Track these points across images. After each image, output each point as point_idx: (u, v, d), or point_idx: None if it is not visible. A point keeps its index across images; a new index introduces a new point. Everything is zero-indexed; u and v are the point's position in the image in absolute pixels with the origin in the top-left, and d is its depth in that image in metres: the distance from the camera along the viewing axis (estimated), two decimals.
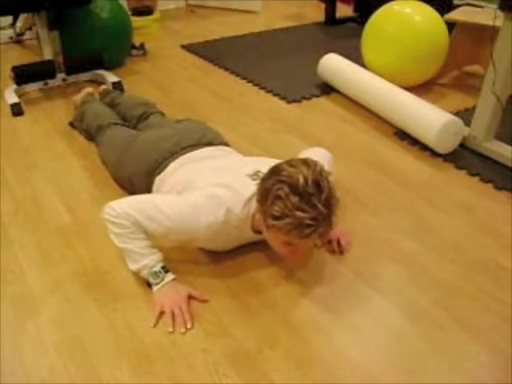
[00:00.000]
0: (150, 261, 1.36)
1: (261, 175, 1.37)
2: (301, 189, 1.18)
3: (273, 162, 1.49)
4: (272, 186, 1.22)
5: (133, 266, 1.38)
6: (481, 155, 2.09)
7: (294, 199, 1.18)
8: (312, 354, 1.23)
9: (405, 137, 2.23)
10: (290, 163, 1.25)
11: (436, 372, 1.18)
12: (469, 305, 1.36)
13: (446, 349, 1.23)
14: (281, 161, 1.51)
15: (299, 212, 1.18)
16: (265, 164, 1.45)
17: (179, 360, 1.20)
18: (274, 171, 1.25)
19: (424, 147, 2.14)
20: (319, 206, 1.19)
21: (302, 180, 1.18)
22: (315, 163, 1.25)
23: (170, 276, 1.38)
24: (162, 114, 2.13)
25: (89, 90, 2.39)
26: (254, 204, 1.35)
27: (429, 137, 2.06)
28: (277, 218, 1.21)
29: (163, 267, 1.38)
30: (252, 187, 1.37)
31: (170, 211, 1.34)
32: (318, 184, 1.20)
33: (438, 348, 1.24)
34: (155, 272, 1.36)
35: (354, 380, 1.16)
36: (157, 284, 1.36)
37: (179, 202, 1.37)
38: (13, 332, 1.29)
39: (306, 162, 1.24)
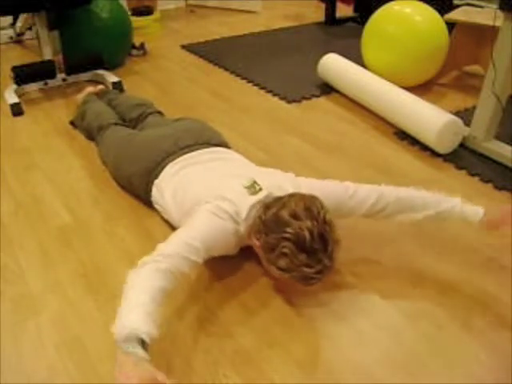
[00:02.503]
0: (140, 324, 1.01)
1: (257, 187, 1.37)
2: (308, 246, 1.18)
3: (267, 173, 1.51)
4: (277, 242, 1.21)
5: (117, 323, 1.02)
6: (481, 155, 2.08)
7: (302, 257, 1.19)
8: (312, 353, 1.22)
9: (405, 137, 2.24)
10: (293, 214, 1.21)
11: (436, 372, 1.18)
12: (469, 305, 1.36)
13: (445, 349, 1.23)
14: (273, 171, 1.52)
15: (306, 268, 1.20)
16: (260, 174, 1.46)
17: (179, 360, 1.20)
18: (278, 223, 1.22)
19: (424, 147, 2.14)
20: (325, 260, 1.20)
21: (308, 237, 1.18)
22: (318, 210, 1.23)
23: (141, 351, 0.99)
24: (160, 113, 2.13)
25: (90, 89, 2.39)
26: (249, 221, 1.33)
27: (429, 137, 2.06)
28: (282, 270, 1.23)
29: (144, 342, 1.01)
30: (248, 202, 1.33)
31: (201, 234, 1.26)
32: (323, 237, 1.20)
33: (437, 348, 1.24)
34: (134, 341, 0.99)
35: (354, 380, 1.16)
36: (121, 352, 0.99)
37: (201, 224, 1.29)
38: (13, 332, 1.29)
39: (309, 209, 1.22)
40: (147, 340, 1.01)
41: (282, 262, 1.21)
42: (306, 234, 1.18)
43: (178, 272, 1.18)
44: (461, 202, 1.45)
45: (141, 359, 0.97)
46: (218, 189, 1.39)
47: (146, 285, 1.11)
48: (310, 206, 1.23)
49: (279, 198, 1.30)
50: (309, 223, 1.19)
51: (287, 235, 1.19)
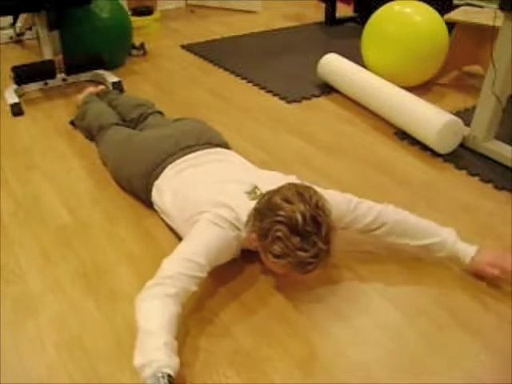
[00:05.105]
0: (164, 358, 1.05)
1: (258, 192, 1.37)
2: (300, 229, 1.18)
3: (268, 177, 1.49)
4: (270, 225, 1.21)
5: (138, 360, 1.06)
6: (481, 155, 2.09)
7: (295, 240, 1.18)
8: (312, 353, 1.23)
9: (405, 137, 2.24)
10: (285, 198, 1.21)
11: (436, 372, 1.18)
12: (469, 305, 1.36)
13: (446, 349, 1.23)
14: (274, 175, 1.51)
15: (300, 252, 1.19)
16: (261, 178, 1.45)
17: (179, 360, 1.20)
18: (271, 207, 1.22)
19: (424, 147, 2.14)
20: (319, 243, 1.19)
21: (300, 219, 1.17)
22: (310, 195, 1.23)
23: None
24: (161, 113, 2.13)
25: (91, 89, 2.39)
26: (249, 227, 1.33)
27: (429, 137, 2.06)
28: (277, 257, 1.22)
29: (170, 376, 1.03)
30: (249, 207, 1.33)
31: (204, 249, 1.26)
32: (316, 220, 1.19)
33: (437, 348, 1.24)
34: (161, 377, 1.01)
35: (354, 380, 1.16)
36: None
37: (203, 238, 1.30)
38: (13, 332, 1.29)
39: (301, 194, 1.22)
40: (172, 374, 1.04)
41: (277, 247, 1.21)
42: (298, 216, 1.17)
43: (185, 292, 1.20)
44: (455, 237, 1.43)
45: None
46: (218, 194, 1.38)
47: (159, 314, 1.13)
48: (302, 191, 1.23)
49: (273, 189, 1.29)
50: (301, 206, 1.19)
51: (280, 218, 1.19)
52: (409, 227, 1.44)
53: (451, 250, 1.42)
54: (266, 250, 1.26)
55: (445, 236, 1.42)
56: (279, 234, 1.19)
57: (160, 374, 1.01)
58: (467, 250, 1.41)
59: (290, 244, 1.18)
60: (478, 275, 1.43)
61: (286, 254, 1.20)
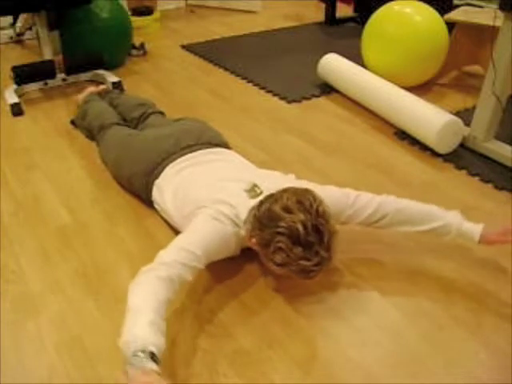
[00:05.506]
0: (150, 336, 1.01)
1: (258, 191, 1.37)
2: (302, 239, 1.18)
3: (267, 176, 1.50)
4: (272, 237, 1.21)
5: (123, 337, 1.02)
6: (481, 155, 2.09)
7: (297, 250, 1.18)
8: (312, 353, 1.22)
9: (405, 137, 2.24)
10: (285, 208, 1.21)
11: (436, 372, 1.18)
12: (469, 305, 1.36)
13: (445, 349, 1.23)
14: (273, 174, 1.52)
15: (303, 261, 1.19)
16: (260, 177, 1.46)
17: (179, 360, 1.20)
18: (271, 217, 1.22)
19: (424, 147, 2.14)
20: (322, 252, 1.20)
21: (302, 230, 1.17)
22: (310, 202, 1.22)
23: (151, 364, 0.97)
24: (162, 113, 2.13)
25: (91, 89, 2.39)
26: (249, 224, 1.32)
27: (429, 137, 2.06)
28: (280, 265, 1.23)
29: (154, 354, 0.99)
30: (248, 205, 1.33)
31: (201, 240, 1.26)
32: (317, 229, 1.19)
33: (437, 348, 1.24)
34: (143, 354, 0.97)
35: (354, 380, 1.16)
36: (131, 366, 0.97)
37: (201, 230, 1.30)
38: (13, 332, 1.29)
39: (301, 202, 1.21)
40: (156, 352, 1.00)
41: (279, 257, 1.21)
42: (300, 227, 1.17)
43: (180, 279, 1.18)
44: (460, 218, 1.44)
45: (151, 372, 0.96)
46: (218, 192, 1.39)
47: (149, 295, 1.11)
48: (301, 199, 1.23)
49: (272, 194, 1.29)
50: (302, 216, 1.19)
51: (280, 229, 1.19)
52: (411, 215, 1.44)
53: (458, 232, 1.42)
54: (267, 257, 1.27)
55: (449, 219, 1.43)
56: (281, 245, 1.19)
57: (142, 354, 0.97)
58: (474, 229, 1.41)
59: (293, 254, 1.19)
60: (490, 244, 1.43)
61: (289, 263, 1.21)
